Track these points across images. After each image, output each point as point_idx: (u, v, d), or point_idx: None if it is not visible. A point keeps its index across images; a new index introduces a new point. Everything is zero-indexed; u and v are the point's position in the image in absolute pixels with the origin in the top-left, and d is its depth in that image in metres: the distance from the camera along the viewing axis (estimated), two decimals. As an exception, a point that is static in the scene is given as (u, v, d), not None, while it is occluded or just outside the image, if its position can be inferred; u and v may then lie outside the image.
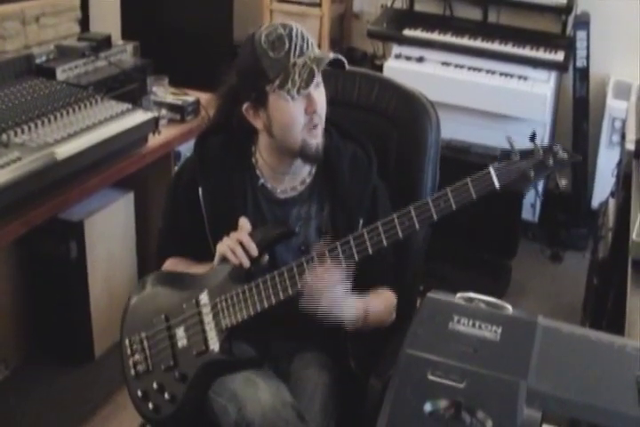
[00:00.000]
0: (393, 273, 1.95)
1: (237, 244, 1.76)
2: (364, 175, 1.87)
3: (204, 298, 1.81)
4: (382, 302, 1.89)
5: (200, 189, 1.89)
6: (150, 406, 1.83)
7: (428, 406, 1.18)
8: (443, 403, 1.18)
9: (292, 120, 1.77)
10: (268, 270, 1.77)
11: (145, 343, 1.86)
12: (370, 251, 1.68)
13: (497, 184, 1.63)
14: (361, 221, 1.84)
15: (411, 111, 2.07)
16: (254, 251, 1.77)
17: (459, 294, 1.36)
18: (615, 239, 2.57)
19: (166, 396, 1.81)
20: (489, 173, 1.63)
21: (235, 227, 1.81)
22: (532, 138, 1.69)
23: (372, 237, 1.68)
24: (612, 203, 2.95)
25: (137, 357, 1.86)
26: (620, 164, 2.80)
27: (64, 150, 2.28)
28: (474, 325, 1.29)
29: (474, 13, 4.05)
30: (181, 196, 1.96)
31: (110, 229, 2.94)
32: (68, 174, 2.34)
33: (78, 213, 2.77)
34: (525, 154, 1.65)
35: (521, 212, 3.67)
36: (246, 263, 1.77)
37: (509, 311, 1.34)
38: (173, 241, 2.00)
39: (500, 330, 1.29)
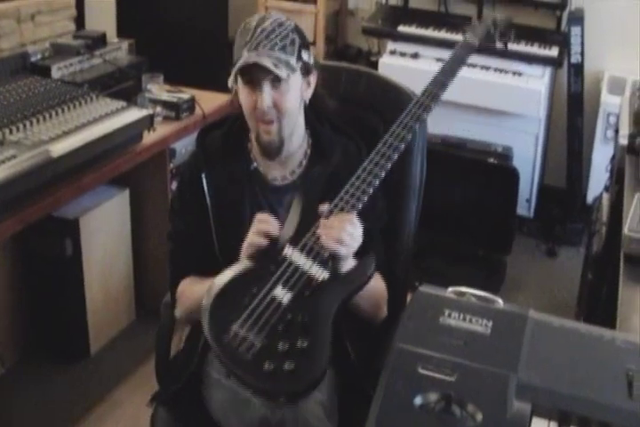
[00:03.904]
0: (382, 270, 1.92)
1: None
2: (355, 165, 1.86)
3: (288, 251, 1.71)
4: (380, 284, 1.89)
5: (204, 180, 1.88)
6: (286, 373, 1.59)
7: (418, 400, 1.18)
8: (433, 396, 1.18)
9: (244, 106, 1.82)
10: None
11: (240, 332, 1.63)
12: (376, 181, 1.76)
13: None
14: None
15: (395, 103, 2.07)
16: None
17: (450, 289, 1.37)
18: (609, 234, 2.58)
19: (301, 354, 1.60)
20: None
21: (236, 217, 1.81)
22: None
23: (376, 164, 1.78)
24: (605, 198, 2.96)
25: (242, 348, 1.62)
26: (613, 159, 2.80)
27: (59, 148, 2.29)
28: (464, 318, 1.30)
29: (468, 10, 4.05)
30: (188, 192, 1.93)
31: (106, 226, 2.95)
32: (63, 172, 2.35)
33: (73, 210, 2.78)
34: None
35: (516, 207, 3.68)
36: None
37: (500, 305, 1.35)
38: (185, 253, 1.94)
39: (490, 324, 1.29)
